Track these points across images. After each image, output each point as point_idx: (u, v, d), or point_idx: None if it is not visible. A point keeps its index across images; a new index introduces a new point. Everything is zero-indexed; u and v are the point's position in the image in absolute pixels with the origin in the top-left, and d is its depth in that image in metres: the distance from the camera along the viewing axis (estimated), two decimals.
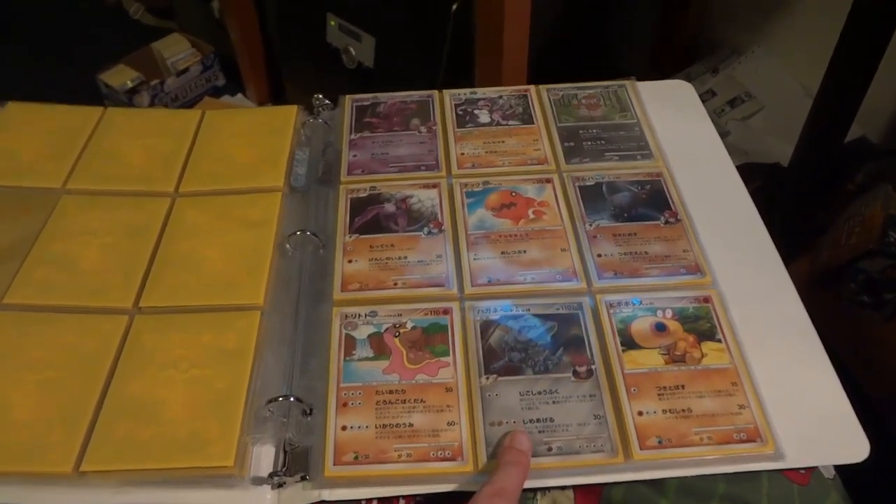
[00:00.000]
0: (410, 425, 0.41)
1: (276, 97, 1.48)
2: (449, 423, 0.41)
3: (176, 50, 1.50)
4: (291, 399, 0.42)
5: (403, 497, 0.41)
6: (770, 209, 0.56)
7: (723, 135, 1.07)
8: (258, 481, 0.41)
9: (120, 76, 1.45)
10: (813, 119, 0.95)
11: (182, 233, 0.52)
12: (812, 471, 0.42)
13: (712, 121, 0.62)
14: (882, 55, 0.85)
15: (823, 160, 0.98)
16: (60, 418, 0.42)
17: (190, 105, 1.52)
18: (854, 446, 0.41)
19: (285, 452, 0.42)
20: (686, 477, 0.41)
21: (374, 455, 0.40)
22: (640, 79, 0.65)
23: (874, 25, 0.83)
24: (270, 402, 0.42)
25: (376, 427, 0.41)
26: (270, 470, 0.41)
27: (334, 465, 0.40)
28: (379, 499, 0.41)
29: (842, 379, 0.45)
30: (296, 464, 0.41)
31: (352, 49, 1.11)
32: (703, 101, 1.11)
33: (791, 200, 1.01)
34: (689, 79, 1.03)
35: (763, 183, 1.04)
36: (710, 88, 1.15)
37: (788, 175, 1.02)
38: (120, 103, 1.43)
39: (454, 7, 0.94)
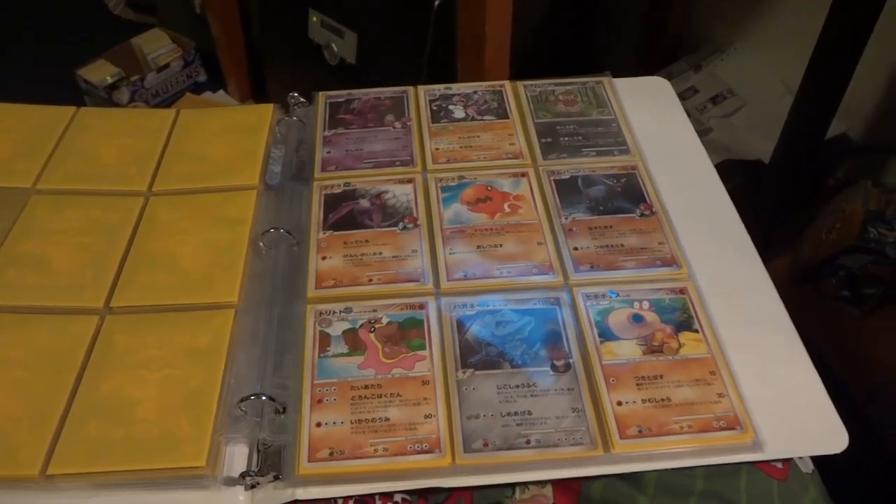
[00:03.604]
0: (387, 419, 0.41)
1: (258, 93, 1.47)
2: (426, 416, 0.41)
3: (156, 45, 1.48)
4: (264, 398, 0.41)
5: (379, 496, 0.40)
6: (751, 205, 0.56)
7: (705, 132, 1.08)
8: (231, 481, 0.40)
9: (99, 72, 1.42)
10: (794, 116, 0.95)
11: (155, 232, 0.51)
12: (790, 465, 0.42)
13: (694, 118, 0.62)
14: (862, 52, 0.85)
15: (804, 157, 0.98)
16: (28, 420, 0.41)
17: (171, 101, 1.50)
18: (833, 438, 0.41)
19: (258, 452, 0.41)
20: (665, 473, 0.40)
21: (350, 451, 0.39)
22: (622, 76, 0.65)
23: (854, 23, 0.83)
24: (242, 400, 0.41)
25: (352, 422, 0.40)
26: (243, 470, 0.40)
27: (309, 461, 0.39)
28: (355, 498, 0.40)
29: (822, 374, 0.44)
30: (268, 463, 0.40)
31: (334, 45, 1.10)
32: (686, 98, 1.12)
33: (772, 197, 1.01)
34: (671, 76, 1.03)
35: (744, 179, 1.04)
36: (693, 85, 1.15)
37: (770, 171, 1.02)
38: (99, 99, 1.41)
39: (436, 3, 0.94)
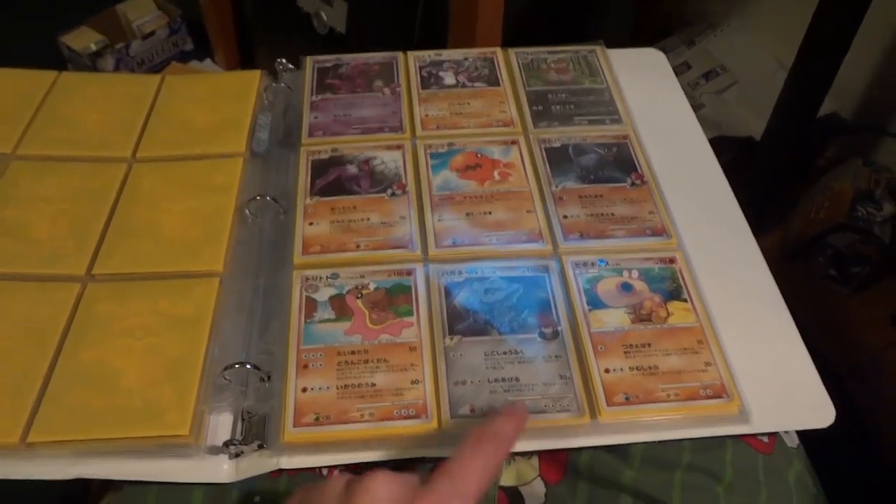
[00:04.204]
0: (373, 385, 0.40)
1: (246, 63, 1.44)
2: (413, 382, 0.40)
3: (142, 12, 1.44)
4: (248, 366, 0.41)
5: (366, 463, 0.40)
6: (742, 182, 0.56)
7: (697, 107, 1.07)
8: (215, 450, 0.39)
9: (83, 39, 1.39)
10: (786, 93, 0.95)
11: (139, 199, 0.50)
12: (775, 440, 0.42)
13: (686, 93, 0.62)
14: (856, 31, 0.85)
15: (796, 134, 0.98)
16: (8, 389, 0.40)
17: (156, 70, 1.47)
18: (820, 412, 0.41)
19: (243, 421, 0.40)
20: (652, 446, 0.40)
21: (336, 416, 0.39)
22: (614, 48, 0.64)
23: (849, 2, 0.83)
24: (227, 369, 0.41)
25: (338, 388, 0.40)
26: (227, 439, 0.39)
27: (294, 426, 0.39)
28: (341, 466, 0.40)
29: (808, 352, 0.44)
30: (253, 432, 0.39)
31: (323, 14, 1.09)
32: (678, 74, 1.11)
33: (763, 174, 1.01)
34: (664, 51, 1.02)
35: (735, 156, 1.04)
36: (686, 61, 1.15)
37: (761, 149, 1.02)
38: (83, 67, 1.38)
39: None
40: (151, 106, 0.57)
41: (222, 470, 0.39)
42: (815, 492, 0.42)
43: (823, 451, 0.45)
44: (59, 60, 1.42)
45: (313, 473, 0.40)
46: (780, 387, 0.42)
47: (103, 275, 0.46)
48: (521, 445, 0.40)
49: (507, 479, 0.41)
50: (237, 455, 0.39)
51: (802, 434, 0.44)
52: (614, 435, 0.40)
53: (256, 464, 0.39)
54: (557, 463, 0.41)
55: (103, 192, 0.51)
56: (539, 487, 0.40)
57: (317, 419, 0.39)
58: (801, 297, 0.53)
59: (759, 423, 0.40)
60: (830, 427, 0.41)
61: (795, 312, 0.46)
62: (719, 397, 0.40)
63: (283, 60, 0.60)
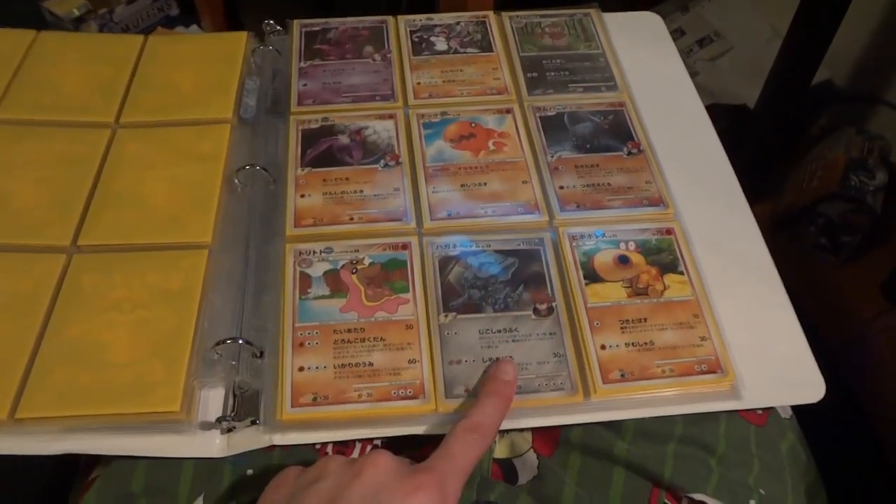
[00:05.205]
0: (370, 364, 0.40)
1: (233, 29, 1.40)
2: (410, 361, 0.40)
3: None
4: (240, 341, 0.40)
5: (360, 440, 0.40)
6: (736, 151, 0.55)
7: (691, 75, 1.06)
8: (206, 426, 0.39)
9: (65, 3, 1.34)
10: (781, 60, 0.94)
11: (123, 166, 0.49)
12: (769, 411, 0.42)
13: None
14: None
15: (790, 102, 0.97)
16: None
17: None
18: (810, 387, 0.41)
19: (235, 396, 0.40)
20: (645, 418, 0.40)
21: (334, 396, 0.38)
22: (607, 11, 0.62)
23: None
24: (218, 344, 0.40)
25: (335, 367, 0.39)
26: (219, 414, 0.39)
27: (292, 407, 0.38)
28: (334, 443, 0.40)
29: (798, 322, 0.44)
30: (245, 408, 0.39)
31: None
32: (672, 40, 1.09)
33: (756, 142, 1.01)
34: None
35: (729, 124, 1.03)
36: (680, 27, 1.13)
37: (755, 117, 1.01)
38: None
39: None
40: (134, 68, 0.55)
41: (214, 445, 0.39)
42: (808, 462, 0.42)
43: (814, 423, 0.46)
44: (41, 26, 1.37)
45: (307, 447, 0.40)
46: (771, 361, 0.42)
47: (89, 246, 0.45)
48: (514, 423, 0.39)
49: (500, 452, 0.41)
50: (230, 430, 0.38)
51: (795, 406, 0.44)
52: (607, 412, 0.39)
53: (249, 439, 0.38)
54: (550, 436, 0.41)
55: (86, 158, 0.49)
56: (532, 459, 0.40)
57: (315, 399, 0.38)
58: (793, 268, 0.53)
59: (751, 399, 0.40)
60: (822, 399, 0.41)
61: (786, 282, 0.46)
62: (714, 373, 0.40)
63: (271, 22, 0.58)
